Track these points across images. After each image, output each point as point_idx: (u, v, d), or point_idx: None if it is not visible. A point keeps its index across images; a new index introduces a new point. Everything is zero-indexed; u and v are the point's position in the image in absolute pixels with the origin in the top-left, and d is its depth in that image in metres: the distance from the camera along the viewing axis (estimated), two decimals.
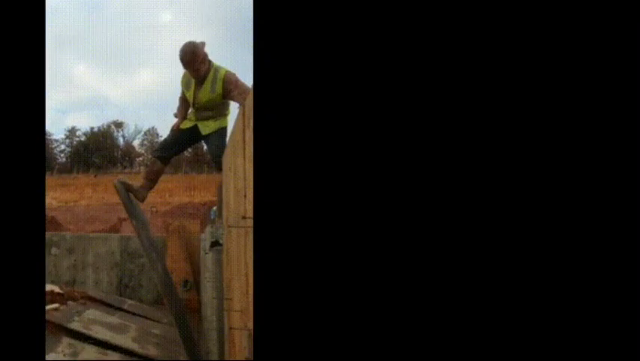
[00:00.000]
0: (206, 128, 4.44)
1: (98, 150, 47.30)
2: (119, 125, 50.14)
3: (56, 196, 28.91)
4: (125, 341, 5.18)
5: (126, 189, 4.57)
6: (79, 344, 4.65)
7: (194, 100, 4.42)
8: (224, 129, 4.46)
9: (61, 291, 6.34)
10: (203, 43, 4.35)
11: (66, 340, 4.67)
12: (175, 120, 4.64)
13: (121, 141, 50.41)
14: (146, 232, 4.75)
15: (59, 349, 4.42)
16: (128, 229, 12.47)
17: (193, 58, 4.22)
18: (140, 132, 50.76)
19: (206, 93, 4.32)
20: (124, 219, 14.64)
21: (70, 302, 5.91)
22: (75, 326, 5.05)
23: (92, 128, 49.75)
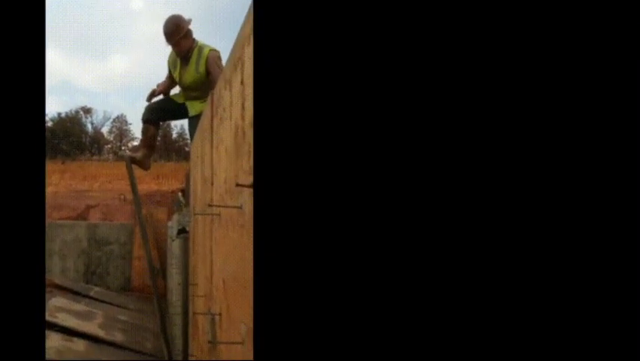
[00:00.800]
0: (193, 109, 4.40)
1: (66, 137, 46.42)
2: (87, 111, 49.24)
3: None
4: (91, 327, 5.20)
5: (133, 163, 4.58)
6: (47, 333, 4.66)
7: (180, 80, 4.40)
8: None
9: None
10: (189, 20, 4.32)
11: None
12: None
13: (89, 127, 49.54)
14: (140, 210, 4.79)
15: None
16: (95, 217, 12.37)
17: (175, 30, 4.22)
18: (109, 119, 49.96)
19: (191, 73, 4.29)
20: (92, 207, 14.52)
21: None
22: None
23: (59, 114, 48.76)
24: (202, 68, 4.21)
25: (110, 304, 6.71)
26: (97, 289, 7.67)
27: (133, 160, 4.60)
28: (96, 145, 48.83)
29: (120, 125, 50.22)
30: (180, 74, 4.37)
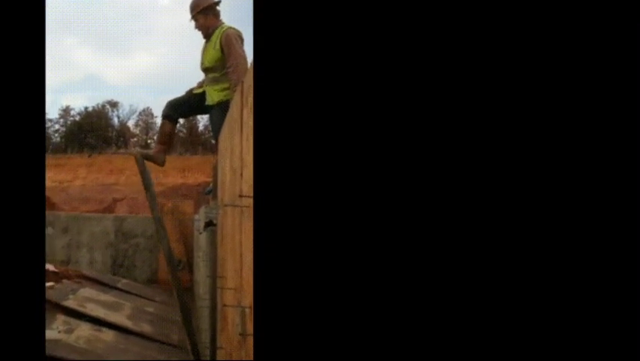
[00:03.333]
0: (211, 97, 4.32)
1: (93, 130, 47.06)
2: (113, 105, 49.78)
3: (50, 176, 28.84)
4: (119, 318, 5.28)
5: (145, 159, 4.59)
6: (74, 321, 4.75)
7: (202, 61, 4.36)
8: (227, 102, 4.20)
9: (56, 270, 6.44)
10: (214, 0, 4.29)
11: (61, 317, 4.77)
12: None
13: (115, 121, 50.09)
14: (155, 206, 4.81)
15: (54, 325, 4.52)
16: (122, 210, 12.54)
17: (194, 5, 4.23)
18: (135, 112, 50.45)
19: (209, 52, 4.25)
20: (118, 200, 14.71)
21: (65, 281, 6.01)
22: (70, 303, 5.14)
23: (86, 108, 49.42)
24: (218, 46, 4.17)
25: (137, 296, 6.82)
26: (124, 281, 7.79)
27: (145, 156, 4.62)
28: (122, 138, 49.43)
29: (146, 119, 50.71)
30: (203, 54, 4.35)
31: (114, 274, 8.47)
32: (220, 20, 4.32)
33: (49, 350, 3.98)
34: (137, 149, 4.66)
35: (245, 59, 4.07)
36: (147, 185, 4.60)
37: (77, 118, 49.27)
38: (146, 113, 50.33)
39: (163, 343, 5.04)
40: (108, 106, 49.86)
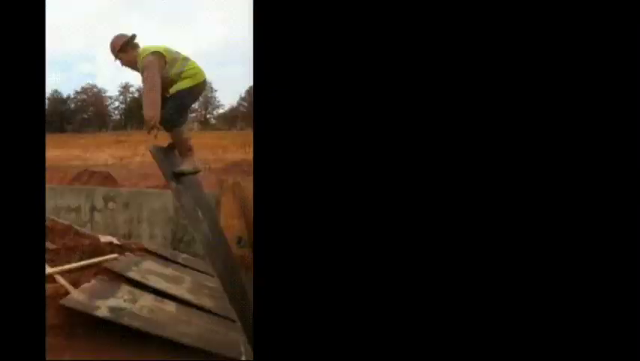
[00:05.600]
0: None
1: None
2: None
3: (111, 153, 29.94)
4: (180, 291, 5.56)
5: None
6: (137, 292, 5.04)
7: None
8: (177, 94, 4.69)
9: (118, 243, 6.81)
10: (125, 36, 4.64)
11: (125, 287, 5.07)
12: None
13: None
14: (192, 192, 5.04)
15: (119, 295, 4.82)
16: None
17: (113, 47, 4.58)
18: None
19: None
20: None
21: (127, 253, 6.35)
22: (133, 275, 5.45)
23: None
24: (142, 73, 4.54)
25: (198, 271, 7.11)
26: (184, 255, 8.13)
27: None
28: None
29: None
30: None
31: (174, 249, 8.82)
32: (137, 49, 4.63)
33: (115, 318, 4.27)
34: (150, 146, 4.93)
35: (158, 85, 4.41)
36: (169, 177, 4.80)
37: (137, 95, 50.62)
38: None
39: (224, 317, 5.27)
40: None
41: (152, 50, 4.52)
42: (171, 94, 4.68)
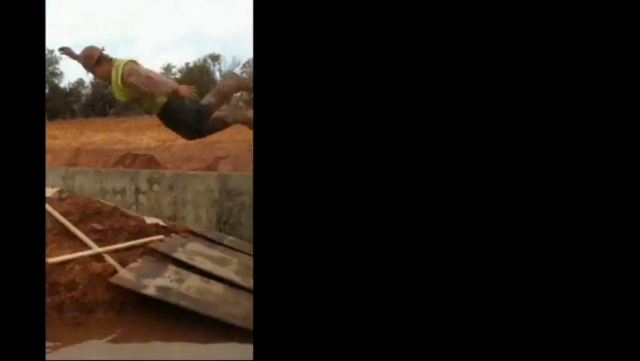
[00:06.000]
0: (156, 108, 4.69)
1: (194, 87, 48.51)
2: (215, 58, 50.57)
3: (154, 136, 30.42)
4: (227, 273, 5.69)
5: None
6: (183, 272, 5.20)
7: (117, 98, 4.79)
8: (171, 103, 4.61)
9: (164, 224, 7.00)
10: (97, 49, 4.64)
11: (171, 267, 5.23)
12: None
13: (217, 75, 51.09)
14: None
15: (166, 274, 4.98)
16: (225, 168, 13.15)
17: (85, 61, 4.61)
18: (238, 65, 51.05)
19: (119, 90, 4.61)
20: (221, 158, 15.37)
21: (173, 235, 6.52)
22: (179, 255, 5.60)
23: (187, 64, 50.88)
24: (120, 82, 4.54)
25: (244, 253, 7.24)
26: (230, 238, 8.27)
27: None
28: None
29: (250, 70, 51.54)
30: (115, 93, 4.74)
31: (219, 231, 8.99)
32: (111, 61, 4.65)
33: (162, 296, 4.43)
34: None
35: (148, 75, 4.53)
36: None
37: (178, 75, 51.08)
38: (251, 65, 50.98)
39: None
40: (209, 60, 50.98)
41: (128, 60, 4.60)
42: (163, 108, 4.64)
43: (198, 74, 49.50)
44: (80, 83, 51.67)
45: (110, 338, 4.06)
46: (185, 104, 4.61)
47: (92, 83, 50.59)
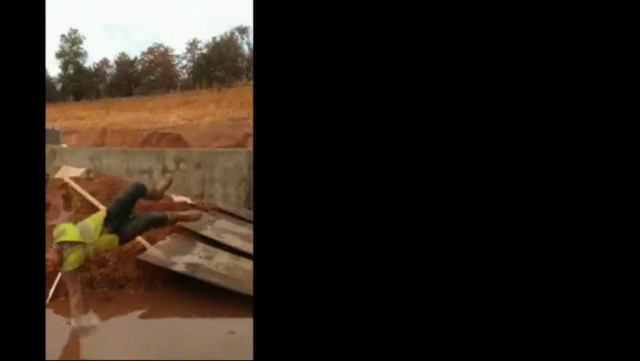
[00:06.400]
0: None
1: (221, 62, 48.35)
2: (243, 31, 50.11)
3: (180, 114, 30.71)
4: None
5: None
6: (212, 249, 5.34)
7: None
8: None
9: (192, 202, 7.15)
10: None
11: (200, 245, 5.38)
12: None
13: (245, 49, 50.70)
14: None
15: (195, 252, 5.13)
16: None
17: None
18: None
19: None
20: (250, 135, 15.47)
21: (201, 212, 6.67)
22: (208, 233, 5.74)
23: (214, 39, 50.77)
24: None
25: None
26: None
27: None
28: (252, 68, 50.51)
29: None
30: None
31: (248, 209, 9.12)
32: None
33: (191, 273, 4.58)
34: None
35: None
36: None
37: (205, 51, 51.05)
38: None
39: None
40: (237, 33, 50.66)
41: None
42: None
43: (225, 49, 49.39)
44: (105, 62, 52.24)
45: (139, 313, 4.23)
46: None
47: (116, 62, 51.08)
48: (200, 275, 4.60)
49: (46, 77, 47.53)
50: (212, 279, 4.58)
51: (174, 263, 4.76)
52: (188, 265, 4.77)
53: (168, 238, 5.36)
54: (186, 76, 51.68)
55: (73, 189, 6.17)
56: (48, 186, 5.88)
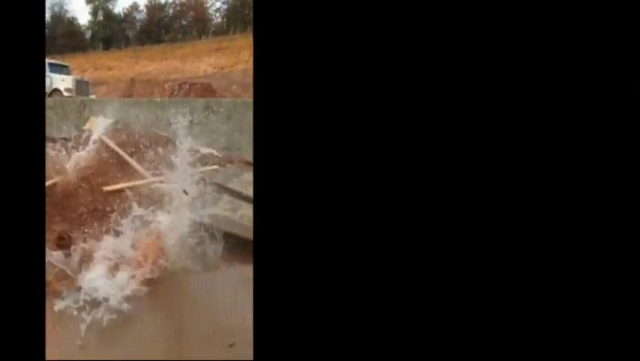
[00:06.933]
0: None
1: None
2: None
3: (211, 62, 30.40)
4: None
5: None
6: (237, 202, 5.55)
7: None
8: None
9: (219, 155, 7.35)
10: None
11: (226, 197, 5.59)
12: None
13: None
14: None
15: (220, 204, 5.34)
16: None
17: None
18: None
19: None
20: None
21: (228, 165, 6.85)
22: (234, 185, 5.93)
23: None
24: None
25: None
26: None
27: None
28: None
29: None
30: None
31: None
32: None
33: (215, 224, 4.81)
34: None
35: None
36: None
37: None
38: None
39: None
40: None
41: None
42: None
43: None
44: (135, 7, 51.71)
45: None
46: None
47: (146, 6, 50.54)
48: (224, 227, 4.80)
49: (77, 25, 47.68)
50: (236, 231, 4.79)
51: (199, 215, 4.96)
52: (212, 216, 4.97)
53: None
54: (219, 20, 50.68)
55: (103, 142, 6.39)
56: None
